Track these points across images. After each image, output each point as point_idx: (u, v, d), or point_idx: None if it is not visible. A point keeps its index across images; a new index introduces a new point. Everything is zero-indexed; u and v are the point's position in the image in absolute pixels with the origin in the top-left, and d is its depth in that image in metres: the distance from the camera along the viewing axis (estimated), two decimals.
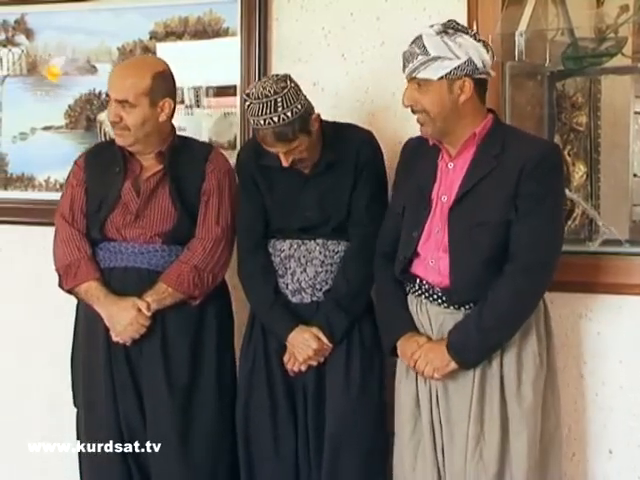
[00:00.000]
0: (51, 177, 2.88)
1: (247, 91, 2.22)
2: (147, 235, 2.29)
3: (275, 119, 2.12)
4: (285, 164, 2.21)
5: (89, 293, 2.29)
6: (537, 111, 2.47)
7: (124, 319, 2.24)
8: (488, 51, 2.08)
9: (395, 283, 2.22)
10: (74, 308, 2.45)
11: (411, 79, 2.04)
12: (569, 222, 2.37)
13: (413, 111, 2.09)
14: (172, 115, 2.34)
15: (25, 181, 2.94)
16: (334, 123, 2.29)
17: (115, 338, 2.28)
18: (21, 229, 2.88)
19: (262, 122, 2.12)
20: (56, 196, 2.84)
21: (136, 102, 2.23)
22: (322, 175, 2.27)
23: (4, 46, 2.94)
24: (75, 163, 2.47)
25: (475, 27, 2.31)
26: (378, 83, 2.26)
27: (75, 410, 2.46)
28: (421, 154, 2.19)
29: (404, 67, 2.08)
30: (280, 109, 2.12)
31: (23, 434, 2.90)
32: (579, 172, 2.41)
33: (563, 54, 2.36)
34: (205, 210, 2.34)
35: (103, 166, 2.37)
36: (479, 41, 2.06)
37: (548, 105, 2.43)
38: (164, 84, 2.28)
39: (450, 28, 2.03)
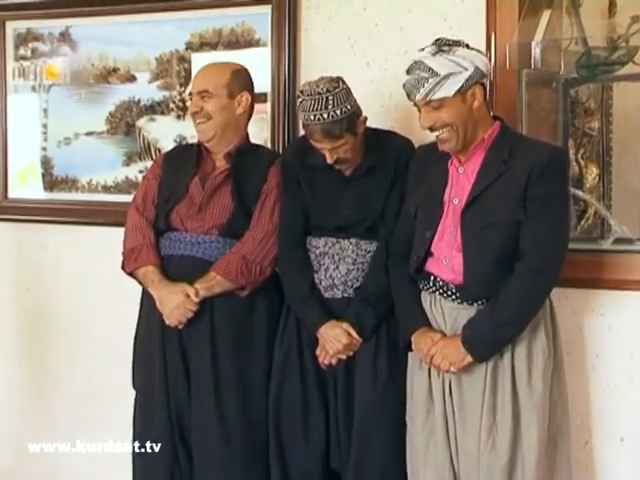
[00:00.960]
0: (93, 179, 2.95)
1: (300, 88, 2.28)
2: (205, 227, 2.35)
3: (325, 115, 2.18)
4: (329, 161, 2.25)
5: (146, 277, 2.35)
6: (552, 116, 2.49)
7: (172, 302, 2.29)
8: (485, 55, 2.12)
9: (409, 281, 2.26)
10: (119, 302, 2.54)
11: (426, 104, 2.07)
12: (582, 222, 2.42)
13: (432, 130, 2.11)
14: (250, 113, 2.41)
15: (69, 183, 3.00)
16: (376, 129, 2.34)
17: (166, 321, 2.33)
18: (66, 228, 2.95)
19: (312, 118, 2.18)
20: (98, 197, 3.03)
21: (215, 92, 2.33)
22: (362, 178, 2.32)
23: (49, 56, 3.01)
24: (154, 160, 2.57)
25: (493, 37, 2.36)
26: (401, 90, 2.27)
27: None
28: (432, 160, 2.22)
29: (411, 95, 2.09)
30: (330, 107, 2.18)
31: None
32: (592, 174, 2.44)
33: (577, 62, 2.39)
34: (261, 207, 2.39)
35: (179, 164, 2.45)
36: (473, 50, 2.09)
37: (562, 111, 2.46)
38: (242, 80, 2.38)
39: (444, 45, 2.06)
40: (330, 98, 2.18)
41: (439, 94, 2.03)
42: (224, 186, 2.38)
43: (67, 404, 2.99)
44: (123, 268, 2.42)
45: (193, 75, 2.52)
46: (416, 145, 2.40)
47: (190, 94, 2.44)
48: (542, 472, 2.09)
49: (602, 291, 2.35)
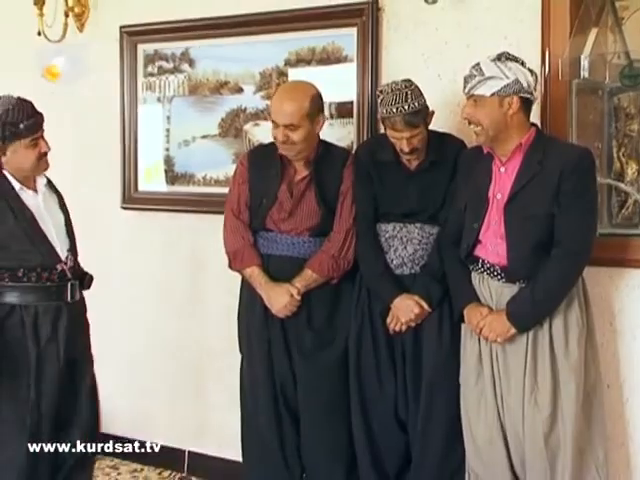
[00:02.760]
0: (207, 175, 3.13)
1: (380, 88, 2.41)
2: (298, 230, 2.52)
3: (405, 107, 2.31)
4: (407, 149, 2.36)
5: (252, 277, 2.54)
6: (597, 120, 2.56)
7: (280, 303, 2.49)
8: (532, 75, 2.20)
9: (460, 264, 2.37)
10: (229, 279, 2.70)
11: (469, 96, 2.20)
12: (623, 210, 2.50)
13: (469, 123, 2.24)
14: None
15: (187, 178, 3.17)
16: (434, 131, 2.46)
17: (275, 314, 2.51)
18: (185, 216, 3.15)
19: (394, 110, 2.31)
20: (211, 190, 3.11)
21: (299, 124, 2.43)
22: (425, 172, 2.43)
23: (172, 73, 3.20)
24: (240, 162, 2.66)
25: (547, 52, 2.48)
26: (460, 96, 2.37)
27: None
28: (477, 161, 2.33)
29: (464, 87, 2.22)
30: (409, 100, 2.32)
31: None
32: (632, 169, 2.51)
33: (620, 73, 2.47)
34: (341, 208, 2.53)
35: (263, 167, 2.56)
36: (526, 67, 2.20)
37: (607, 115, 2.53)
38: (318, 103, 2.49)
39: (503, 57, 2.18)
40: (409, 93, 2.33)
41: (479, 91, 2.16)
42: (308, 191, 2.52)
43: (189, 361, 3.19)
44: (230, 266, 2.58)
45: (277, 98, 2.51)
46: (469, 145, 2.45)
47: (274, 122, 2.46)
48: (580, 424, 2.23)
49: None
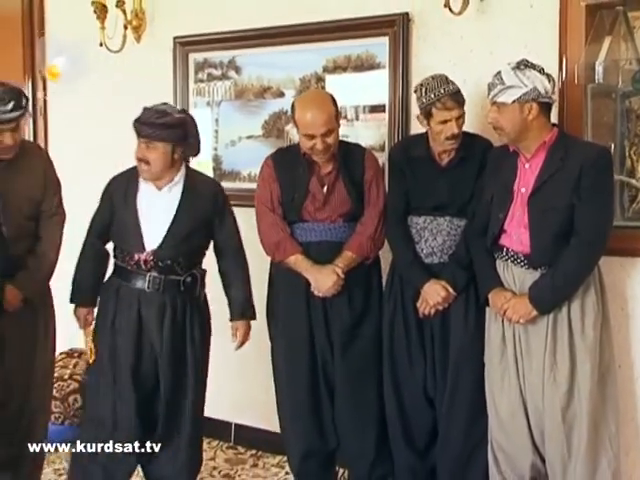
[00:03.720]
0: (252, 172, 3.23)
1: (419, 82, 2.49)
2: (332, 217, 2.63)
3: (451, 87, 2.44)
4: (456, 130, 2.44)
5: (297, 263, 2.61)
6: (610, 121, 2.61)
7: (327, 283, 2.57)
8: (550, 81, 2.26)
9: (486, 252, 2.46)
10: (263, 268, 2.74)
11: (493, 103, 2.29)
12: (634, 204, 2.56)
13: (494, 128, 2.34)
14: None
15: (234, 175, 3.29)
16: (464, 131, 2.53)
17: (319, 294, 2.60)
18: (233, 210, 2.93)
19: (442, 91, 2.42)
20: (255, 186, 2.90)
21: (332, 127, 2.55)
22: (455, 167, 2.52)
23: (220, 79, 3.32)
24: (265, 164, 2.72)
25: (565, 59, 2.56)
26: (484, 99, 2.46)
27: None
28: (504, 158, 2.42)
29: (488, 94, 2.31)
30: (450, 82, 2.45)
31: None
32: None
33: (632, 78, 2.52)
34: (369, 194, 2.64)
35: (289, 167, 2.65)
36: (544, 74, 2.26)
37: (619, 117, 2.57)
38: (335, 103, 2.60)
39: (522, 65, 2.26)
40: (447, 78, 2.47)
41: (501, 98, 2.25)
42: (337, 182, 2.61)
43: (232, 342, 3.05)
44: (272, 259, 2.64)
45: (305, 110, 2.54)
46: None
47: (308, 135, 2.51)
48: (595, 400, 2.31)
49: None
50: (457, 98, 2.45)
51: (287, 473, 3.08)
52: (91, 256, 2.64)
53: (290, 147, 2.75)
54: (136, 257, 2.54)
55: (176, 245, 2.54)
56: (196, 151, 2.59)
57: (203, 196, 2.60)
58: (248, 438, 3.37)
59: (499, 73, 2.28)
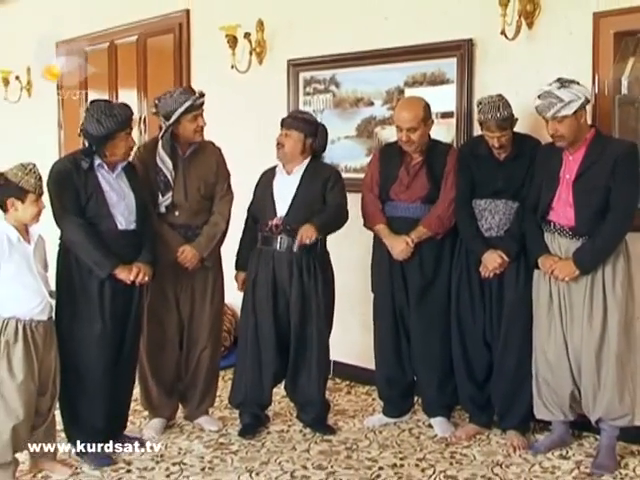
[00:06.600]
0: (347, 165, 3.61)
1: (479, 100, 2.72)
2: (412, 198, 2.96)
3: (498, 115, 2.65)
4: (497, 145, 2.67)
5: (379, 231, 2.99)
6: (634, 125, 2.85)
7: (398, 248, 2.92)
8: (588, 90, 2.51)
9: (537, 226, 2.70)
10: (364, 238, 3.10)
11: (553, 118, 2.50)
12: None
13: (553, 137, 2.55)
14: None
15: (334, 167, 3.29)
16: (517, 132, 2.78)
17: (395, 258, 2.95)
18: None
19: (489, 117, 2.65)
20: (350, 175, 3.42)
21: (417, 127, 2.85)
22: (510, 162, 2.78)
23: (322, 92, 3.70)
24: (373, 155, 3.10)
25: (597, 75, 2.79)
26: (533, 109, 2.67)
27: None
28: (551, 152, 2.67)
29: (543, 112, 2.51)
30: (501, 110, 2.66)
31: None
32: None
33: None
34: (445, 183, 2.92)
35: (388, 157, 3.00)
36: (581, 85, 2.50)
37: None
38: (427, 111, 2.90)
39: (565, 82, 2.49)
40: (500, 105, 2.68)
41: (564, 112, 2.47)
42: (420, 171, 2.91)
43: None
44: (365, 224, 3.02)
45: (399, 109, 2.92)
46: (542, 141, 2.75)
47: (398, 126, 2.85)
48: (622, 345, 2.59)
49: None
50: (501, 124, 2.65)
51: (373, 399, 3.43)
52: (250, 236, 3.11)
53: (394, 142, 3.02)
54: (269, 223, 2.96)
55: (298, 213, 2.95)
56: (322, 147, 3.00)
57: (320, 176, 3.01)
58: (344, 372, 3.71)
59: (551, 93, 2.46)
